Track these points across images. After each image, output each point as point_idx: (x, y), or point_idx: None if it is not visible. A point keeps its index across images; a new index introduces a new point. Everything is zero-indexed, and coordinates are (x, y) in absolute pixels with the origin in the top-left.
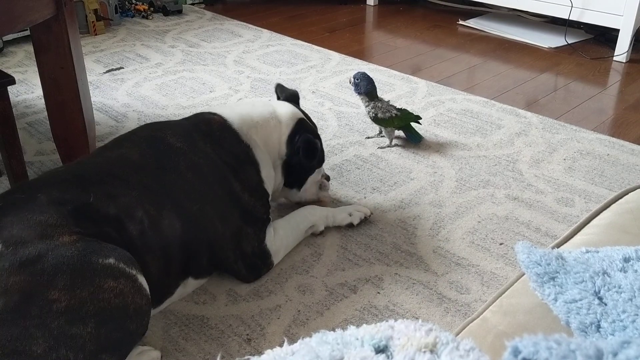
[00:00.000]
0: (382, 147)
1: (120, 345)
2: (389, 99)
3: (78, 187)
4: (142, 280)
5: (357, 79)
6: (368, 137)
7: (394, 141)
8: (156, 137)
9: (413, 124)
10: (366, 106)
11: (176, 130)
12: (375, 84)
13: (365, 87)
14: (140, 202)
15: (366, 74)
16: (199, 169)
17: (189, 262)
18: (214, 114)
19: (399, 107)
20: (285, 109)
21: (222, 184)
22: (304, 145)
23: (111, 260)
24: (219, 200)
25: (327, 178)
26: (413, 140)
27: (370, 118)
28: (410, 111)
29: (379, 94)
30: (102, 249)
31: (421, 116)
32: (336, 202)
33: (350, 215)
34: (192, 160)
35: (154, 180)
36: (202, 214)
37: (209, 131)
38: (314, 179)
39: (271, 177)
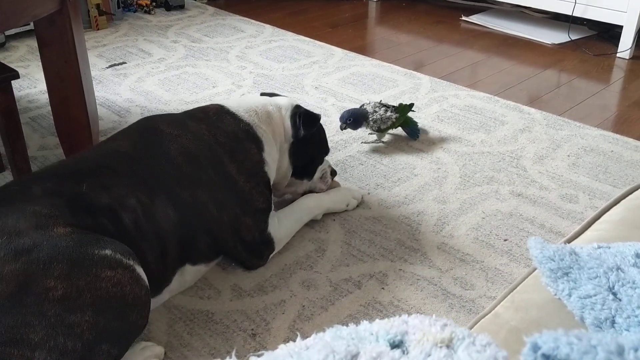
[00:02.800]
0: (366, 142)
1: (121, 335)
2: (380, 99)
3: (71, 179)
4: (140, 271)
5: (348, 120)
6: (365, 142)
7: (387, 137)
8: (148, 126)
9: (413, 117)
10: (366, 127)
11: (168, 119)
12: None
13: (361, 121)
14: (132, 191)
15: (350, 110)
16: (189, 153)
17: (185, 248)
18: (212, 103)
19: (392, 104)
20: (281, 98)
21: (215, 167)
22: (304, 116)
23: (108, 252)
24: (213, 184)
25: (334, 173)
26: (412, 136)
27: (375, 131)
28: (404, 103)
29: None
30: (98, 240)
31: (413, 102)
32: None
33: (347, 205)
34: (182, 144)
35: (144, 169)
36: (195, 200)
37: (204, 116)
38: (322, 170)
39: (275, 159)
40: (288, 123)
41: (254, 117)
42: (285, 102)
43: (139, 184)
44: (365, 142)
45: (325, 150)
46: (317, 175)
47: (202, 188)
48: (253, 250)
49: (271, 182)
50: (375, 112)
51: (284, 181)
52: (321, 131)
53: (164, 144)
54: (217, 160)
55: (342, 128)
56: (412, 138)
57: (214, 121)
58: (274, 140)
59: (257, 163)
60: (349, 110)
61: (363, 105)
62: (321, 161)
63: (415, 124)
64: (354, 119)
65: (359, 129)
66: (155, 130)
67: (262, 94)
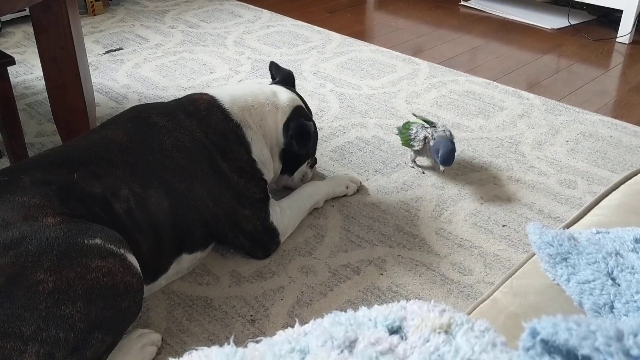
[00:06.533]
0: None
1: (113, 323)
2: (413, 121)
3: (62, 168)
4: (131, 258)
5: (449, 160)
6: (424, 173)
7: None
8: (140, 117)
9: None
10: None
11: (161, 110)
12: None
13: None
14: (125, 181)
15: (444, 147)
16: (184, 148)
17: (181, 238)
18: (204, 93)
19: (415, 120)
20: (283, 95)
21: (209, 163)
22: (297, 131)
23: (97, 241)
24: (208, 178)
25: (314, 162)
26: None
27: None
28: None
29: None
30: (88, 229)
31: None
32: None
33: (347, 188)
34: (176, 138)
35: (138, 159)
36: (190, 192)
37: (195, 110)
38: (304, 167)
39: (267, 159)
40: (281, 129)
41: (246, 117)
42: (286, 102)
43: (133, 174)
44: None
45: (313, 152)
46: (301, 174)
47: (198, 181)
48: (257, 241)
49: (267, 179)
50: (437, 131)
51: (273, 179)
52: (313, 136)
53: (159, 136)
54: (210, 157)
55: (440, 170)
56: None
57: (204, 117)
58: (265, 141)
59: (248, 162)
60: (442, 149)
61: (412, 130)
62: (307, 159)
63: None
64: (450, 155)
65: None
66: (148, 121)
67: (271, 64)
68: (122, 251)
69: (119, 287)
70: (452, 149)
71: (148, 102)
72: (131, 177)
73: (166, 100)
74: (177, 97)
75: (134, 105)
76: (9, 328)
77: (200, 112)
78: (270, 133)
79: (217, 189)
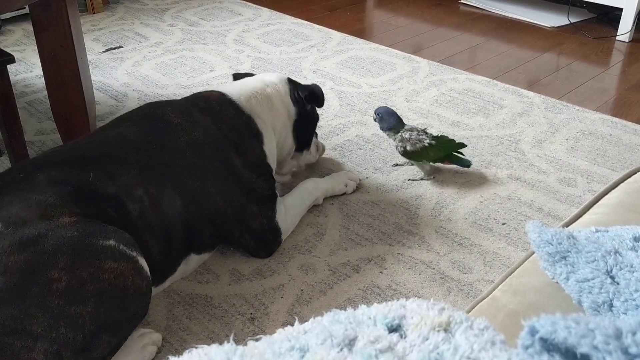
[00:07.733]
0: (414, 179)
1: (121, 325)
2: (418, 124)
3: (76, 167)
4: (142, 262)
5: (379, 114)
6: (396, 165)
7: (430, 172)
8: (155, 114)
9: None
10: (394, 139)
11: (175, 107)
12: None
13: (390, 121)
14: (140, 181)
15: (387, 108)
16: (199, 145)
17: (190, 239)
18: (212, 90)
19: (436, 134)
20: (270, 76)
21: (222, 160)
22: (313, 93)
23: (112, 242)
24: (220, 176)
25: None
26: (462, 165)
27: (400, 153)
28: (451, 137)
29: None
30: (103, 230)
31: (465, 144)
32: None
33: (346, 186)
34: (191, 136)
35: (153, 159)
36: (203, 191)
37: (208, 106)
38: (315, 139)
39: (273, 148)
40: (289, 101)
41: (255, 107)
42: (278, 78)
43: (147, 174)
44: (412, 180)
45: (318, 117)
46: (314, 147)
47: (210, 180)
48: (261, 240)
49: (272, 171)
50: (408, 130)
51: (288, 157)
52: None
53: (173, 134)
54: (224, 153)
55: (374, 119)
56: (462, 166)
57: (217, 112)
58: (273, 125)
59: (259, 156)
60: (385, 107)
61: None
62: (315, 128)
63: (461, 159)
64: (384, 115)
65: (386, 132)
66: (162, 119)
67: (234, 75)
68: (135, 254)
69: (129, 290)
70: (389, 110)
71: (148, 100)
72: (145, 177)
73: (166, 99)
74: (178, 95)
75: (134, 102)
76: (19, 326)
77: (214, 108)
78: (280, 112)
79: (228, 186)
